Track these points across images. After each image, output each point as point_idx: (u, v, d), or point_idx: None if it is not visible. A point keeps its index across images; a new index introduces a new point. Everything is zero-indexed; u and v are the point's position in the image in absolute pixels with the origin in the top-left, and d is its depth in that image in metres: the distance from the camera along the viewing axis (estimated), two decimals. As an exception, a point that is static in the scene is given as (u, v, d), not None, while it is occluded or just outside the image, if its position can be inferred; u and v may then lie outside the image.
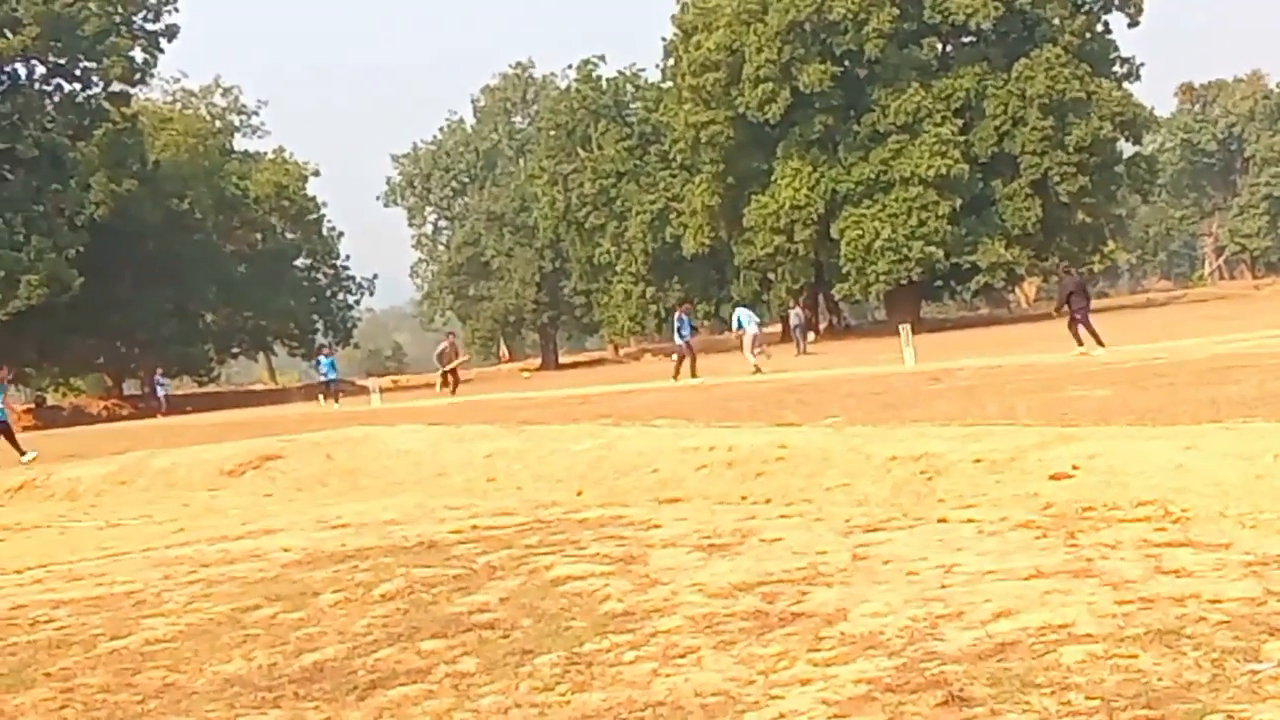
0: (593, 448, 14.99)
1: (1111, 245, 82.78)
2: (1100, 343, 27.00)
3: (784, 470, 11.85)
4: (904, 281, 68.05)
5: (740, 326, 40.11)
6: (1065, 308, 28.87)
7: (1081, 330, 27.72)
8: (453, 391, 41.18)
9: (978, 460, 10.35)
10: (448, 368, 42.94)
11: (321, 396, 48.69)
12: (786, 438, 13.00)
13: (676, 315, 36.87)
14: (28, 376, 78.23)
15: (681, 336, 35.46)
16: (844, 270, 69.38)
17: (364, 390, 49.92)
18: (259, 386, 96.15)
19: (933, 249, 66.48)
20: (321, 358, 52.87)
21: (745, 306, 46.01)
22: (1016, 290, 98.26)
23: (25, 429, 62.59)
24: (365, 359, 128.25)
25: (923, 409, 15.28)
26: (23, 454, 25.51)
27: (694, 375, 33.56)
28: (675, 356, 36.56)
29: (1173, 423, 11.05)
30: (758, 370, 35.02)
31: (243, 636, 7.55)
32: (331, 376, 49.85)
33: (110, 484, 20.22)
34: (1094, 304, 31.50)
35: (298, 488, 17.54)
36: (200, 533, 13.28)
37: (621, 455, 14.20)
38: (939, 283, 75.61)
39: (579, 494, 13.21)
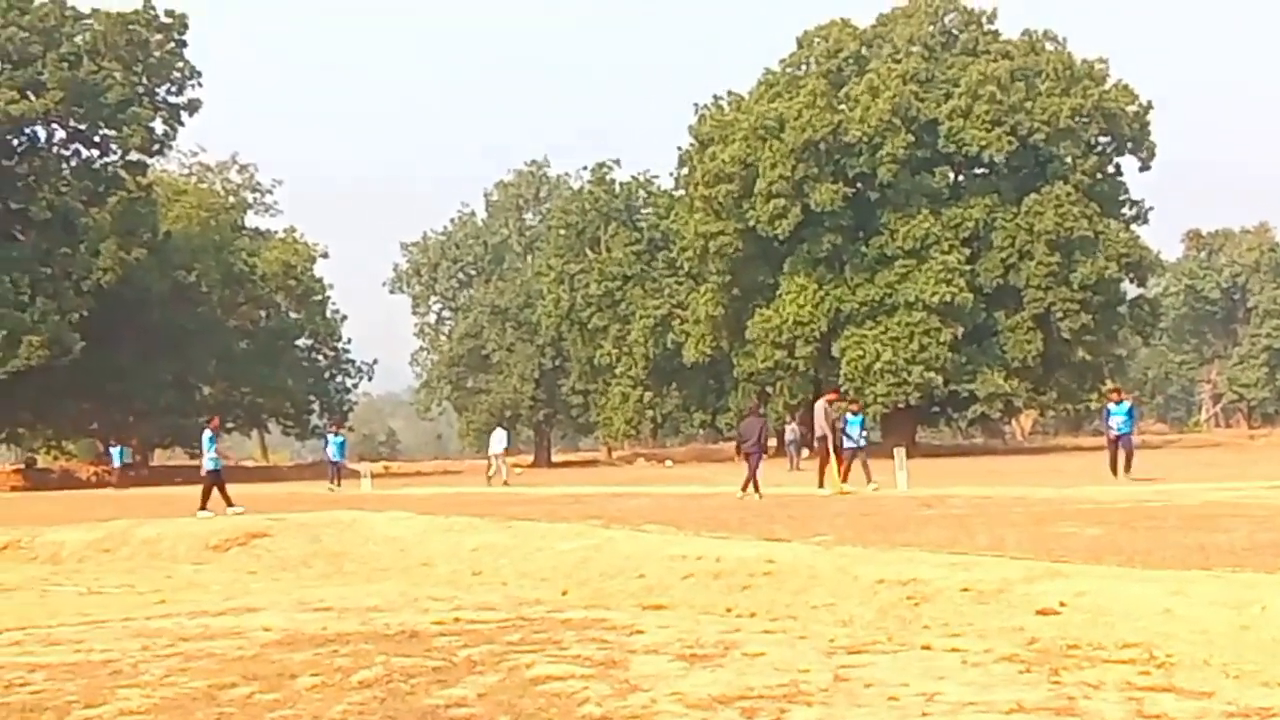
0: (580, 548, 14.96)
1: (1110, 384, 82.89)
2: (757, 489, 26.39)
3: (770, 585, 11.82)
4: (901, 405, 68.11)
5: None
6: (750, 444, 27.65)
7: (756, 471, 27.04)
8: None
9: (965, 589, 10.33)
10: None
11: (333, 480, 44.24)
12: (775, 552, 12.98)
13: (841, 415, 30.66)
14: (20, 437, 78.11)
15: (849, 437, 29.78)
16: (843, 389, 69.43)
17: (355, 474, 48.77)
18: (250, 463, 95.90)
19: (932, 375, 66.62)
20: (330, 436, 48.67)
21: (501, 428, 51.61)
22: (1013, 422, 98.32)
23: (13, 489, 62.58)
24: (359, 443, 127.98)
25: (912, 534, 15.25)
26: (231, 505, 25.59)
27: (843, 480, 28.40)
28: (854, 459, 29.71)
29: (1162, 566, 11.03)
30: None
31: (217, 714, 7.50)
32: (337, 458, 46.23)
33: (94, 550, 20.16)
34: (1071, 442, 31.09)
35: (282, 567, 17.49)
36: (181, 606, 13.23)
37: (608, 558, 14.17)
38: (936, 409, 75.71)
39: (564, 593, 13.17)
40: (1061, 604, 9.56)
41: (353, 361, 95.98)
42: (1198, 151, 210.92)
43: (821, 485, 28.74)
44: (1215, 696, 7.18)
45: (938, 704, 7.14)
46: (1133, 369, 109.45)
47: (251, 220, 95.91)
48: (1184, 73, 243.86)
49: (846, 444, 29.99)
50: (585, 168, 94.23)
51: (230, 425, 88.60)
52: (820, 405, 30.15)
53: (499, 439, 47.33)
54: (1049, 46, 73.39)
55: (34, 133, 69.31)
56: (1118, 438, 30.59)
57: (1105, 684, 7.56)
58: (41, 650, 10.29)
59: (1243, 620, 8.55)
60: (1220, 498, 20.80)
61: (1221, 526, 14.95)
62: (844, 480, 28.68)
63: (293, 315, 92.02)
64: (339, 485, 44.04)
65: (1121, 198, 74.10)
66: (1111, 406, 31.76)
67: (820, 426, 29.35)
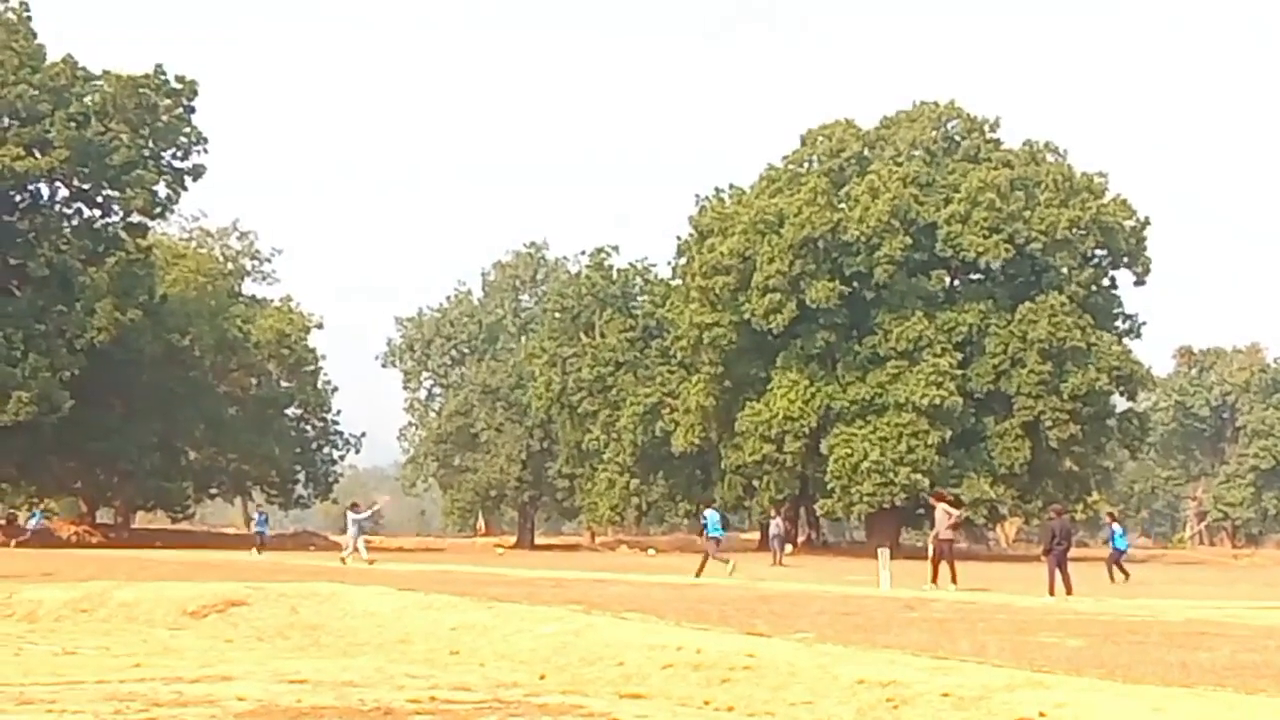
0: (559, 632, 14.90)
1: (1096, 496, 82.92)
2: (1069, 590, 26.91)
3: (749, 680, 11.76)
4: (886, 505, 67.98)
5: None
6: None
7: (1056, 574, 27.58)
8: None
9: (945, 694, 10.28)
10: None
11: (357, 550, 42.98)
12: (755, 647, 12.93)
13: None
14: (2, 492, 77.77)
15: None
16: (829, 487, 69.31)
17: (336, 546, 48.22)
18: (231, 530, 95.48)
19: (919, 477, 66.46)
20: (351, 513, 46.61)
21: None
22: (997, 528, 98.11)
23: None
24: (342, 516, 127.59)
25: (894, 636, 15.19)
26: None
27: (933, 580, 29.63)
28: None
29: (1142, 681, 10.99)
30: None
31: (188, 781, 7.44)
32: (356, 531, 44.77)
33: (71, 610, 20.04)
34: (1073, 552, 30.93)
35: (259, 637, 17.39)
36: (156, 670, 13.14)
37: (588, 643, 14.11)
38: (921, 510, 75.42)
39: (541, 677, 13.09)
40: (1041, 714, 9.52)
41: (341, 433, 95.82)
42: (1193, 269, 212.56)
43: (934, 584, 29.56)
44: (1192, 815, 7.14)
45: (913, 808, 7.09)
46: (1119, 481, 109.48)
47: (248, 287, 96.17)
48: (1183, 192, 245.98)
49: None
50: (583, 252, 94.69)
51: (214, 491, 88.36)
52: (943, 508, 31.24)
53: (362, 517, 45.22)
54: (1049, 158, 74.07)
55: (37, 190, 69.49)
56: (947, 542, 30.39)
57: (1082, 797, 7.51)
58: (13, 709, 10.20)
59: (1222, 740, 8.52)
60: (1203, 615, 20.76)
61: (1204, 644, 14.91)
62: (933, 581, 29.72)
63: (284, 384, 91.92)
64: (370, 559, 41.90)
65: (1115, 311, 74.54)
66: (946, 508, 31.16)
67: (943, 530, 30.70)
